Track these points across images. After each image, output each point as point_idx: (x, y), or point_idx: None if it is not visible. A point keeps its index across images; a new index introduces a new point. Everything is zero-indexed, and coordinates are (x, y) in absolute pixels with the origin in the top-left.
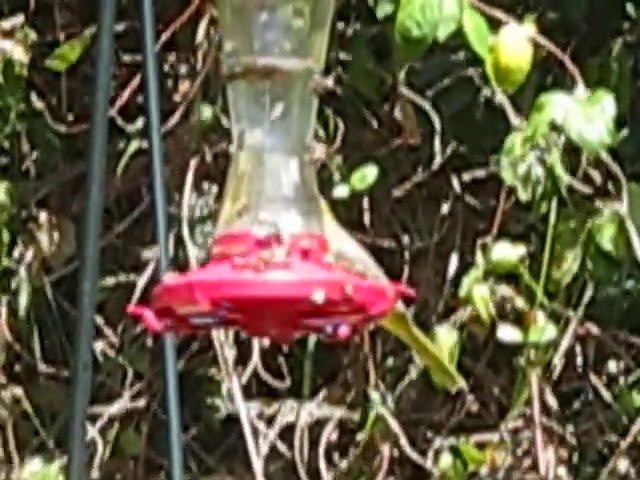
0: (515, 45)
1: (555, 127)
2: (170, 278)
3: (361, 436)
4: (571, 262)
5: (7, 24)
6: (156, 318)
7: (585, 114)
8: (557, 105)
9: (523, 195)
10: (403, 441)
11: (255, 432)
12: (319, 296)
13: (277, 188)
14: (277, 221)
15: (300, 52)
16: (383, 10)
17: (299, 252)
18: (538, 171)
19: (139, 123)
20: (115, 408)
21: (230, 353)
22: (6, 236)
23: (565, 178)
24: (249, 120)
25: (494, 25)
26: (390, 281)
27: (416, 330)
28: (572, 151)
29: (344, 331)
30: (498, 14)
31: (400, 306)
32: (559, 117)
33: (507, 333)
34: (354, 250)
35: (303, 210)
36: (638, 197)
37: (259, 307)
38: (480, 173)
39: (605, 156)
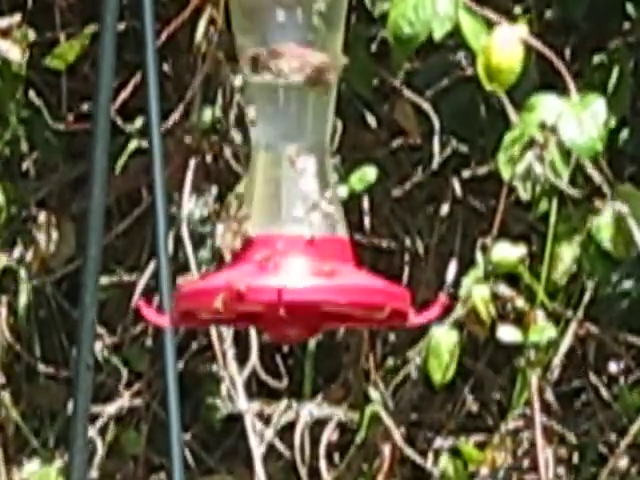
0: (507, 45)
1: (545, 128)
2: (189, 283)
3: (361, 436)
4: (570, 262)
5: (3, 22)
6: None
7: (577, 118)
8: (548, 107)
9: (523, 194)
10: (402, 441)
11: (255, 432)
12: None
13: (297, 190)
14: (299, 224)
15: (316, 50)
16: (380, 8)
17: (321, 255)
18: (537, 169)
19: (138, 122)
20: (115, 408)
21: (230, 352)
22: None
23: (563, 177)
24: (266, 120)
25: (491, 26)
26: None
27: None
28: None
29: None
30: (492, 15)
31: None
32: (550, 119)
33: (507, 333)
34: None
35: (325, 212)
36: (634, 198)
37: (285, 312)
38: (480, 172)
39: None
